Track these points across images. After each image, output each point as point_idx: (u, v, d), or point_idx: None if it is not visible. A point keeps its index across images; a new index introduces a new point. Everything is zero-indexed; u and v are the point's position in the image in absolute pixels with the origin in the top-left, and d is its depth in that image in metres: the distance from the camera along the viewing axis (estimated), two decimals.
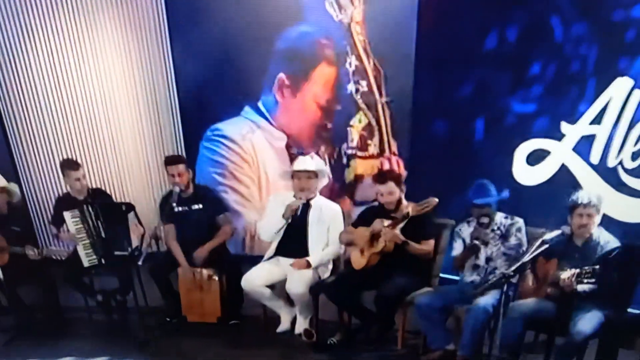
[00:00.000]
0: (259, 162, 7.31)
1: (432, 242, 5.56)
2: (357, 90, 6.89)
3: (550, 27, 6.01)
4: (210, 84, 7.20)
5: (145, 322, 6.12)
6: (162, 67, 7.23)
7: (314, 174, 5.89)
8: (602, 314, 4.81)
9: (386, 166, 6.99)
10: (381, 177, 5.67)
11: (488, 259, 5.32)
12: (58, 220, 6.45)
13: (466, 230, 5.44)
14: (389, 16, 6.61)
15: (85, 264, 6.38)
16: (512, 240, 5.26)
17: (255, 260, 6.35)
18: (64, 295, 6.58)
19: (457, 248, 5.48)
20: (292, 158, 7.20)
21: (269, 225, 6.01)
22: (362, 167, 7.10)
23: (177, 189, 6.07)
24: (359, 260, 5.71)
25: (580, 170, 6.07)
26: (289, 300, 6.06)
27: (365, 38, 6.74)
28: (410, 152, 6.93)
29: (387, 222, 5.48)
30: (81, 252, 6.37)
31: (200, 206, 6.24)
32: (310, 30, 6.85)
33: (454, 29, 6.37)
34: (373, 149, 7.04)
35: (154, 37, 7.16)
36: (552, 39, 6.03)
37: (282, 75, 7.02)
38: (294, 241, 5.93)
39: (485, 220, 5.27)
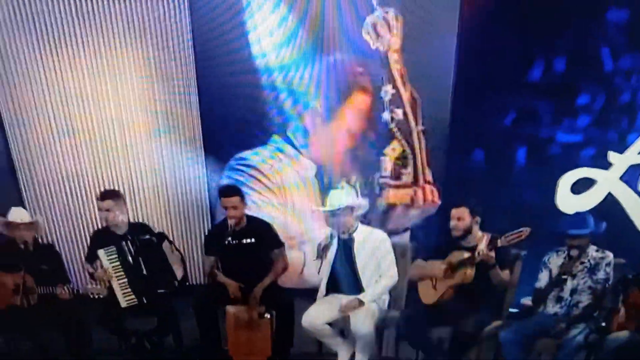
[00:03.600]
0: (287, 192, 7.03)
1: (508, 272, 5.44)
2: (392, 119, 6.78)
3: (600, 58, 6.03)
4: (237, 112, 6.99)
5: None
6: (186, 93, 6.95)
7: (350, 209, 5.67)
8: None
9: (420, 195, 6.86)
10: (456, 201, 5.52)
11: (573, 292, 5.26)
12: (93, 257, 6.02)
13: (555, 261, 5.37)
14: (427, 44, 6.56)
15: (123, 304, 5.96)
16: (601, 275, 5.22)
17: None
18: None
19: (543, 279, 5.40)
20: (322, 188, 7.03)
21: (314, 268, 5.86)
22: (394, 196, 6.93)
23: (232, 222, 5.75)
24: (430, 295, 5.56)
25: (627, 198, 6.12)
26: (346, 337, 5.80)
27: (402, 66, 6.63)
28: (445, 181, 6.80)
29: (467, 254, 5.33)
30: (118, 291, 5.94)
31: (253, 240, 5.92)
32: (345, 58, 6.67)
33: (496, 57, 6.36)
34: (407, 177, 6.92)
35: (179, 61, 6.90)
36: (602, 70, 6.08)
37: (315, 103, 6.81)
38: (345, 278, 5.72)
39: (576, 252, 5.22)
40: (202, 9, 6.72)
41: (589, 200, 6.33)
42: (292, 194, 7.11)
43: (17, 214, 5.95)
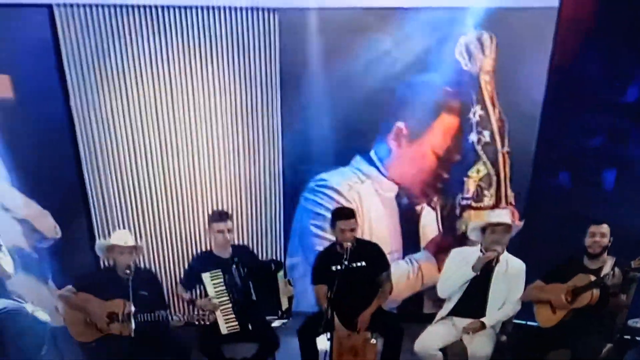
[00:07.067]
0: (364, 213, 6.92)
1: (625, 295, 5.44)
2: (479, 141, 6.73)
3: None
4: (319, 132, 6.82)
5: None
6: (269, 115, 6.81)
7: (509, 227, 5.63)
8: None
9: None
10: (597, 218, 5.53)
11: None
12: (193, 281, 5.78)
13: None
14: (519, 65, 6.54)
15: (224, 331, 5.74)
16: None
17: None
18: None
19: None
20: (402, 209, 6.93)
21: (451, 280, 5.70)
22: (475, 218, 6.87)
23: (349, 245, 5.59)
24: (548, 318, 5.53)
25: None
26: None
27: (493, 88, 6.59)
28: (528, 202, 6.79)
29: (592, 277, 5.32)
30: (220, 318, 5.72)
31: (363, 263, 5.77)
32: (435, 79, 6.63)
33: (589, 79, 6.38)
34: (489, 199, 6.89)
35: (263, 84, 6.74)
36: None
37: (400, 124, 6.74)
38: (473, 299, 5.64)
39: None
40: (291, 30, 6.51)
41: None
42: (370, 215, 6.93)
43: (121, 237, 5.68)
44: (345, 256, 5.55)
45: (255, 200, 6.98)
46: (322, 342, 5.66)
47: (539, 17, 6.38)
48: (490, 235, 5.62)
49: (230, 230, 5.77)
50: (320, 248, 6.79)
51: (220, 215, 5.80)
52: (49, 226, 6.64)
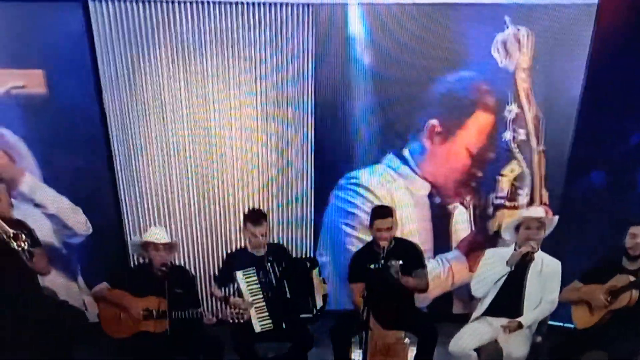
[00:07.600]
0: (397, 212, 6.81)
1: None
2: (513, 139, 6.63)
3: None
4: (352, 129, 6.77)
5: None
6: (301, 111, 6.71)
7: (543, 225, 5.56)
8: None
9: None
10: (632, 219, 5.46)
11: None
12: (226, 280, 5.74)
13: None
14: (557, 63, 6.42)
15: (257, 329, 5.72)
16: None
17: None
18: None
19: None
20: (434, 207, 6.86)
21: (485, 279, 5.65)
22: (508, 217, 6.78)
23: (385, 244, 5.55)
24: (586, 319, 5.47)
25: None
26: None
27: (529, 85, 6.49)
28: (562, 202, 6.70)
29: (632, 277, 5.25)
30: (253, 316, 5.68)
31: (400, 262, 5.69)
32: (470, 76, 6.53)
33: (628, 77, 6.26)
34: (523, 198, 6.79)
35: (297, 79, 6.63)
36: None
37: (434, 121, 6.64)
38: (508, 299, 5.58)
39: None
40: (326, 25, 6.49)
41: None
42: (402, 213, 6.85)
43: (157, 234, 5.64)
44: (382, 255, 5.47)
45: (285, 197, 6.88)
46: (356, 354, 5.58)
47: (577, 14, 6.26)
48: (525, 231, 5.57)
49: (264, 235, 5.71)
50: (351, 247, 6.78)
51: (256, 218, 5.73)
52: (80, 222, 6.60)
